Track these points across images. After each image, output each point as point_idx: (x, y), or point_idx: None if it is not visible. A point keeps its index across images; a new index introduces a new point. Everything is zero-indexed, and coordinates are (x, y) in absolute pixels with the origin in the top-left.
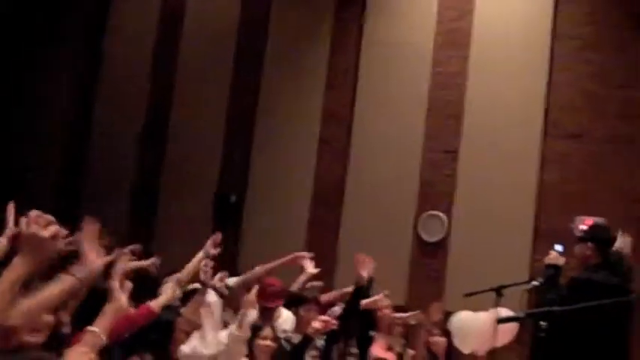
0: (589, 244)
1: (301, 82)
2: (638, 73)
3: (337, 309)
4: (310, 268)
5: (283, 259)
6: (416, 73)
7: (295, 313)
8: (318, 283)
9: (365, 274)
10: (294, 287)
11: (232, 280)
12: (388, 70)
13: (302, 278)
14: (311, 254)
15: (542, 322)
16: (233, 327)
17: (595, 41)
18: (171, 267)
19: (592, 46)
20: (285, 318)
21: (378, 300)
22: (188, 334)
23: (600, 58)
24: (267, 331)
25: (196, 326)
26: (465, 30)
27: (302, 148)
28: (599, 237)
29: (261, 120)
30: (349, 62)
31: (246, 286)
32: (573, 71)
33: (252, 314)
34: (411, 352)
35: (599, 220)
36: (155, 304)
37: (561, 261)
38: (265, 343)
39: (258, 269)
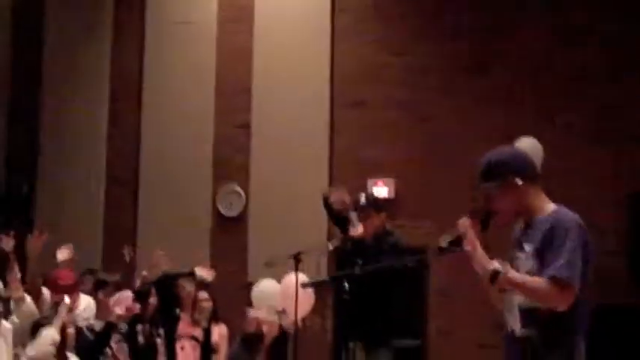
0: (382, 214)
1: (86, 64)
2: (415, 40)
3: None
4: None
5: None
6: (202, 50)
7: (95, 299)
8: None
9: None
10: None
11: None
12: (174, 50)
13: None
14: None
15: (345, 285)
16: (29, 349)
17: (373, 12)
18: None
19: (371, 18)
20: (86, 306)
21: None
22: None
23: (379, 28)
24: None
25: None
26: (248, 5)
27: (91, 129)
28: (386, 205)
29: (48, 104)
30: (135, 45)
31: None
32: (353, 42)
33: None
34: (222, 327)
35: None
36: None
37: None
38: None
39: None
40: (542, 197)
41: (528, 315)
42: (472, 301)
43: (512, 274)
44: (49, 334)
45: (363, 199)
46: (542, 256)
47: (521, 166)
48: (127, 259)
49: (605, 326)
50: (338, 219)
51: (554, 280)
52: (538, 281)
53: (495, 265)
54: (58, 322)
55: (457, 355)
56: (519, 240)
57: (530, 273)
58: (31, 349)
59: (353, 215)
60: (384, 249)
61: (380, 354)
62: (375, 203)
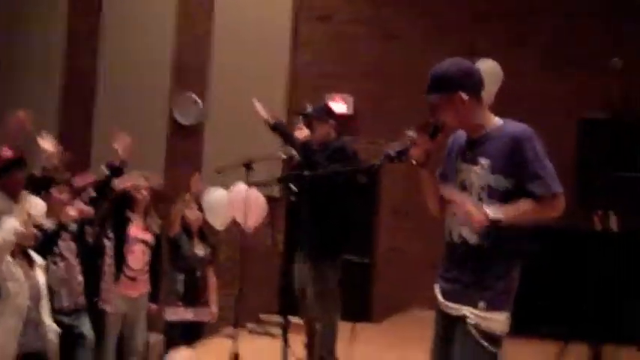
0: (330, 121)
1: None
2: None
3: (89, 192)
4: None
5: None
6: None
7: (45, 198)
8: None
9: (120, 150)
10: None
11: None
12: None
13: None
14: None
15: (292, 186)
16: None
17: None
18: None
19: None
20: (34, 204)
21: (138, 185)
22: None
23: None
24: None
25: None
26: None
27: (50, 41)
28: (334, 114)
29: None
30: None
31: None
32: None
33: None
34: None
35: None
36: None
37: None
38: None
39: None
40: (487, 112)
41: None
42: (424, 219)
43: (508, 212)
44: (11, 223)
45: (309, 108)
46: (507, 168)
47: (468, 81)
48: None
49: (552, 248)
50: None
51: (555, 195)
52: (534, 204)
53: (491, 214)
54: (21, 213)
55: (407, 274)
56: (465, 153)
57: (485, 187)
58: None
59: (300, 119)
60: (329, 153)
61: (325, 268)
62: (320, 112)
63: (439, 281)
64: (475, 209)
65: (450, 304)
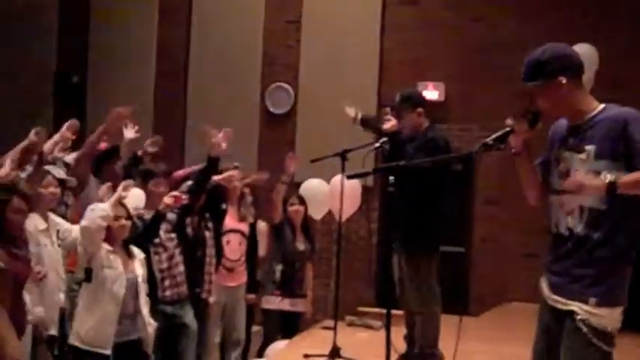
0: (418, 109)
1: None
2: None
3: (188, 183)
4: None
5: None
6: None
7: (144, 189)
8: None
9: (223, 144)
10: None
11: (70, 157)
12: None
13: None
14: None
15: (390, 177)
16: (83, 220)
17: None
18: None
19: None
20: (133, 195)
21: (231, 175)
22: (23, 212)
23: None
24: (119, 211)
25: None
26: None
27: (141, 21)
28: (423, 102)
29: None
30: None
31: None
32: None
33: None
34: (262, 223)
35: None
36: None
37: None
38: (120, 223)
39: (91, 137)
40: (589, 96)
41: (595, 215)
42: (520, 208)
43: (624, 178)
44: (101, 207)
45: (397, 97)
46: (614, 153)
47: (567, 65)
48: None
49: None
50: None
51: None
52: None
53: (607, 177)
54: (113, 198)
55: (502, 265)
56: (567, 140)
57: (592, 173)
58: (84, 220)
59: (387, 110)
60: (419, 144)
61: (422, 260)
62: (408, 100)
63: (546, 273)
64: (590, 177)
65: (558, 298)
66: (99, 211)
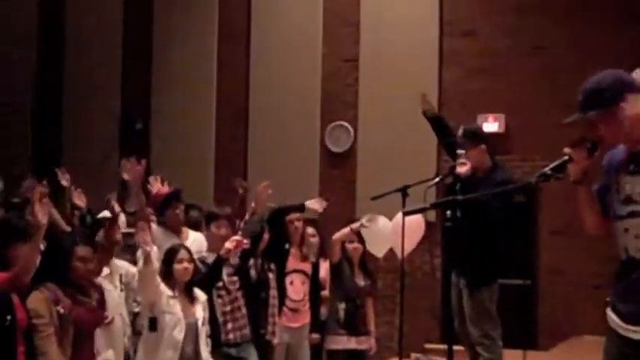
0: (481, 146)
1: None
2: None
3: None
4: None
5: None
6: None
7: (206, 231)
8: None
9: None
10: None
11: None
12: None
13: None
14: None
15: (447, 212)
16: (139, 263)
17: None
18: None
19: None
20: (193, 239)
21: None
22: (89, 260)
23: None
24: (182, 254)
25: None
26: None
27: (201, 70)
28: (486, 138)
29: (158, 41)
30: None
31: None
32: None
33: (153, 249)
34: (325, 262)
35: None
36: None
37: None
38: (183, 266)
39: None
40: None
41: None
42: (586, 238)
43: None
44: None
45: (460, 131)
46: None
47: (627, 91)
48: (240, 190)
49: None
50: (439, 127)
51: None
52: None
53: None
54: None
55: (570, 296)
56: (629, 166)
57: None
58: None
59: (460, 153)
60: (493, 185)
61: (481, 292)
62: (472, 136)
63: (615, 303)
64: None
65: (632, 327)
66: (152, 256)
